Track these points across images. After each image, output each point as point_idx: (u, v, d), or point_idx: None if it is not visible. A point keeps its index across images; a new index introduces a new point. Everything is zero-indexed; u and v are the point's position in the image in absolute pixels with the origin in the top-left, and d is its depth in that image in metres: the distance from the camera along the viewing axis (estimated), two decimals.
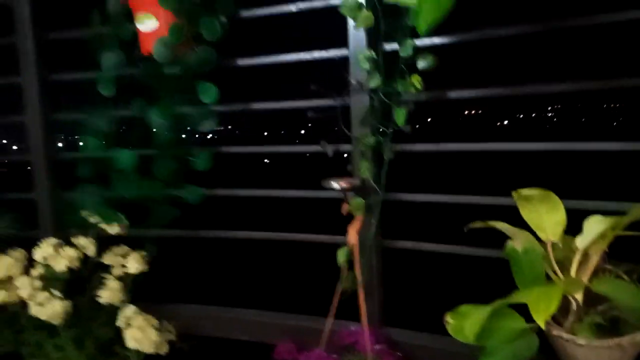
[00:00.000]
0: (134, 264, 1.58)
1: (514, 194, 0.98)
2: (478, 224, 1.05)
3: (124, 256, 1.60)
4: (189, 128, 1.56)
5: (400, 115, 1.31)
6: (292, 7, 1.50)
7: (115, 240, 1.64)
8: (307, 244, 1.61)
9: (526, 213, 0.99)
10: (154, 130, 1.50)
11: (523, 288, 0.98)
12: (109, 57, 1.50)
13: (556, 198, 0.96)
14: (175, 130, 1.53)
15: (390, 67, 1.32)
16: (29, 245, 1.62)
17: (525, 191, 0.96)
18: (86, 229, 1.64)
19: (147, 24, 1.43)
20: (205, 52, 1.45)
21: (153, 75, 1.48)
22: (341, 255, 1.38)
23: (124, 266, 1.58)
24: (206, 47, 1.46)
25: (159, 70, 1.46)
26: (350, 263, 1.38)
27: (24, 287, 1.51)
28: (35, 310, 1.47)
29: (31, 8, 1.76)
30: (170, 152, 1.51)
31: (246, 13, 1.54)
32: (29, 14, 1.76)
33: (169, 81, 1.48)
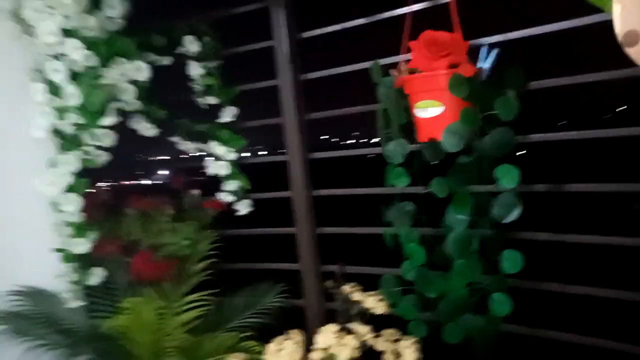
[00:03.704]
0: (411, 354, 1.50)
1: None
2: None
3: (396, 342, 1.53)
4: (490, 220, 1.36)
5: None
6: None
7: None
8: None
9: None
10: (450, 228, 1.36)
11: None
12: (393, 149, 1.41)
13: None
14: (474, 224, 1.35)
15: None
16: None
17: None
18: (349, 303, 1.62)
19: (431, 111, 1.31)
20: (501, 134, 1.29)
21: (441, 164, 1.35)
22: None
23: (397, 354, 1.51)
24: (501, 128, 1.30)
25: (449, 158, 1.33)
26: None
27: None
28: None
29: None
30: (470, 251, 1.34)
31: (535, 84, 1.35)
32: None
33: (461, 170, 1.34)
